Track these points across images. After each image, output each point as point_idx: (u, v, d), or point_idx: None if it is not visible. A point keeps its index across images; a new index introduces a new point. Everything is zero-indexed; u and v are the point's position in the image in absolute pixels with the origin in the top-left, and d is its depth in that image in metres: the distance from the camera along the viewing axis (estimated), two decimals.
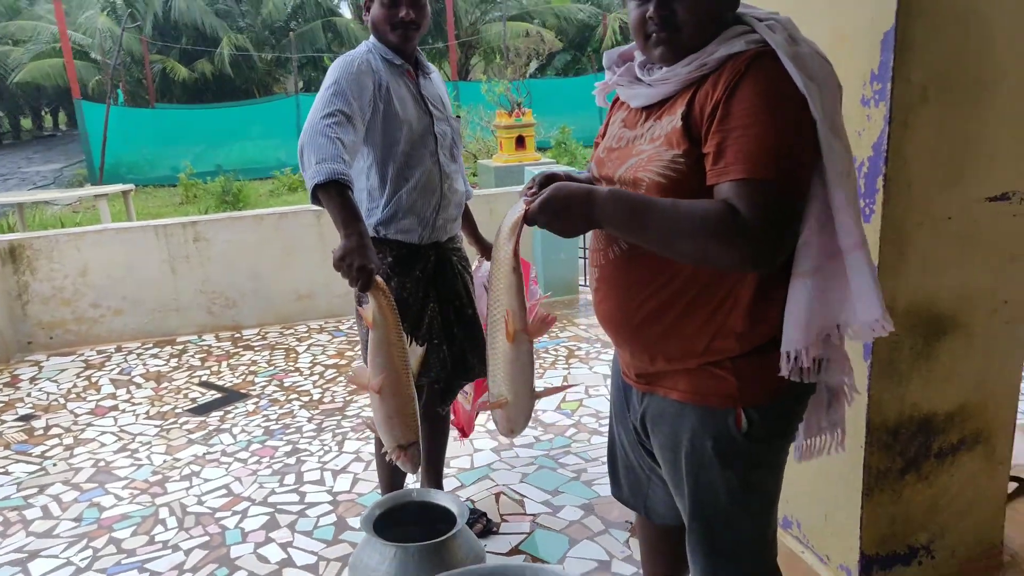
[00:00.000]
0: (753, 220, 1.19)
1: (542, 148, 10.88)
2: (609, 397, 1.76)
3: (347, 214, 1.82)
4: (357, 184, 2.17)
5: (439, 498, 2.21)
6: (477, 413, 2.84)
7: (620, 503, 1.78)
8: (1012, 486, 2.38)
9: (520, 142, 7.49)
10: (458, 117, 2.36)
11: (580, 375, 3.80)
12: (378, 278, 1.74)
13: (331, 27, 20.80)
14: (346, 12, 22.76)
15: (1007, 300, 1.90)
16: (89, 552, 2.54)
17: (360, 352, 2.98)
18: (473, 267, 2.50)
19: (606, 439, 1.75)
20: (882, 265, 1.77)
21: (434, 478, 2.50)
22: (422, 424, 2.35)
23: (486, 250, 2.49)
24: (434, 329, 2.26)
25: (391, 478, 2.42)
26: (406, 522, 2.10)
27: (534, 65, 18.77)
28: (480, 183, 8.83)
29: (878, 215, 1.75)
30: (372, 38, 2.18)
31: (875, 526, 1.94)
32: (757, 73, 1.23)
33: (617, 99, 1.54)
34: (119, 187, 8.10)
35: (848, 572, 1.99)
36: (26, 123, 31.40)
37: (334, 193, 1.83)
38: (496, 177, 8.20)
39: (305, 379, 3.94)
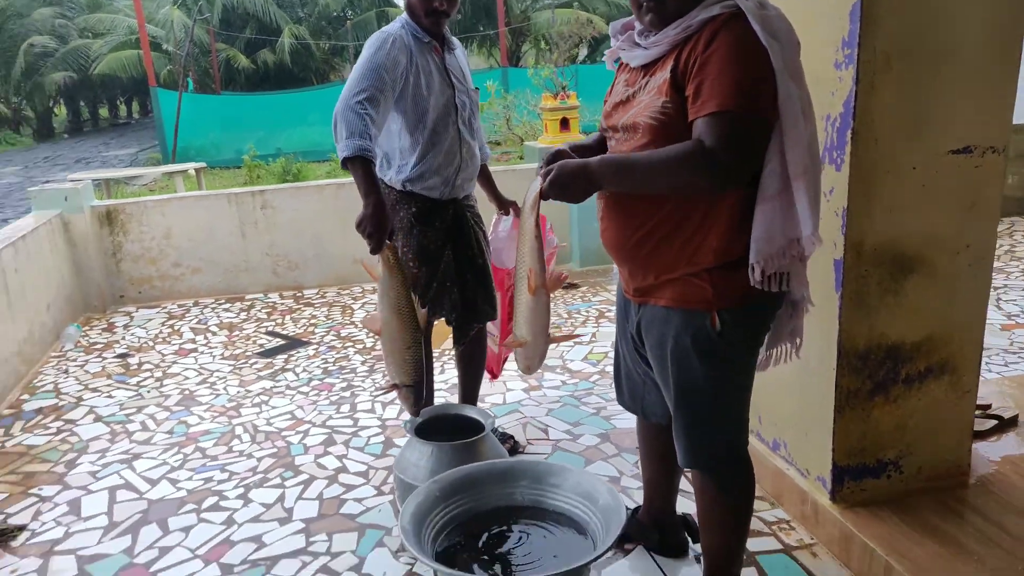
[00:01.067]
0: (717, 147, 1.52)
1: (587, 131, 11.14)
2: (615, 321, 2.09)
3: (368, 186, 2.18)
4: (390, 142, 2.50)
5: (469, 411, 2.60)
6: (505, 358, 3.18)
7: (624, 408, 2.13)
8: (990, 423, 2.63)
9: (564, 124, 7.76)
10: (477, 89, 2.67)
11: (608, 332, 4.13)
12: (388, 241, 2.12)
13: (385, 16, 21.35)
14: (400, 1, 23.28)
15: (969, 244, 2.16)
16: (180, 456, 3.00)
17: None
18: (492, 221, 2.84)
19: None
20: (851, 208, 2.05)
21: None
22: (461, 354, 2.75)
23: (503, 204, 2.83)
24: (448, 274, 2.60)
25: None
26: (442, 431, 2.49)
27: (583, 51, 18.94)
28: (526, 162, 9.15)
29: (847, 164, 2.04)
30: (406, 15, 2.48)
31: (846, 441, 2.22)
32: (729, 31, 1.55)
33: (621, 63, 1.87)
34: (192, 165, 8.71)
35: (824, 482, 2.28)
36: (103, 111, 32.92)
37: (359, 166, 2.18)
38: (540, 157, 8.47)
39: (359, 330, 4.37)
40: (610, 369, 3.67)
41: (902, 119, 2.03)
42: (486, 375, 3.03)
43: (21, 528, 2.59)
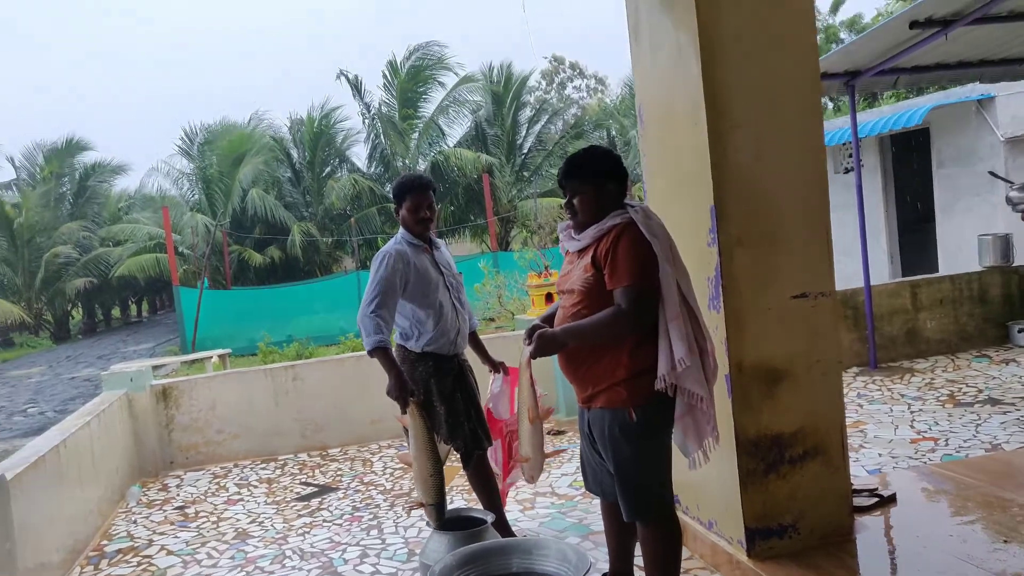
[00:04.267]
0: (629, 308, 2.49)
1: None
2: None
3: (389, 365, 3.21)
4: (410, 322, 3.48)
5: (473, 513, 3.41)
6: (506, 492, 3.95)
7: (590, 492, 2.96)
8: (873, 500, 3.43)
9: (549, 298, 8.88)
10: (460, 274, 3.68)
11: None
12: (411, 399, 3.10)
13: (385, 211, 23.40)
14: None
15: (818, 359, 3.09)
16: (244, 573, 3.72)
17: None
18: (491, 379, 3.76)
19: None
20: (730, 338, 3.00)
21: (496, 516, 3.57)
22: (471, 474, 3.59)
23: (493, 364, 3.70)
24: (461, 410, 3.51)
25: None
26: (454, 528, 3.28)
27: None
28: (517, 331, 10.23)
29: (723, 308, 3.01)
30: (402, 229, 3.53)
31: (752, 508, 3.02)
32: (626, 234, 2.57)
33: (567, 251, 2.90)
34: (220, 351, 9.71)
35: (741, 543, 3.05)
36: (115, 312, 34.60)
37: (380, 354, 3.22)
38: (526, 329, 9.55)
39: (379, 476, 5.15)
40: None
41: (755, 277, 3.03)
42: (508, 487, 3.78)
43: None
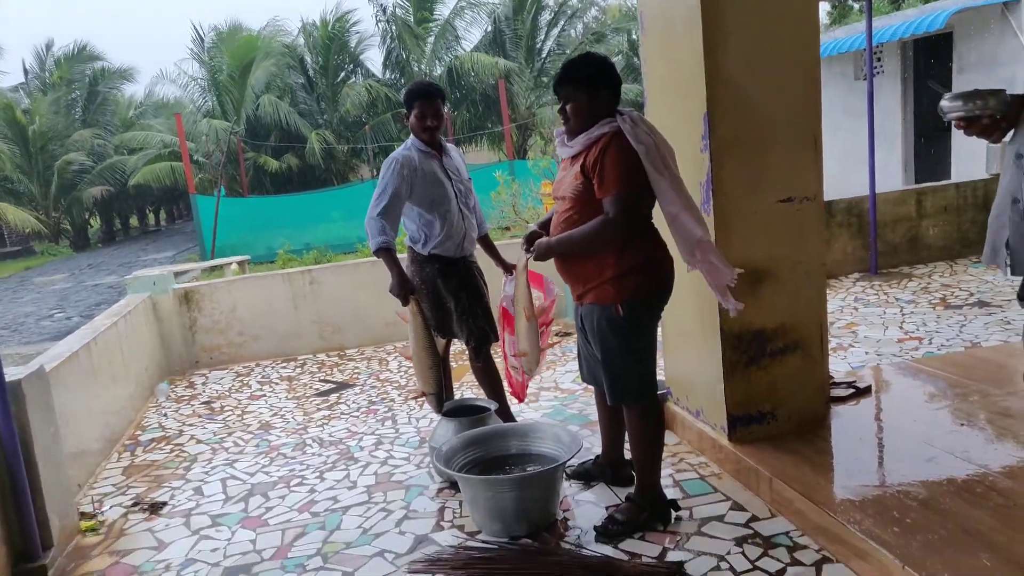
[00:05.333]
0: (615, 217, 2.65)
1: None
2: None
3: (391, 264, 3.38)
4: (418, 226, 3.65)
5: (478, 401, 3.68)
6: (526, 385, 4.17)
7: (584, 382, 3.20)
8: (850, 391, 3.66)
9: None
10: (470, 179, 3.81)
11: None
12: (412, 296, 3.32)
13: (400, 118, 23.25)
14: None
15: (800, 261, 3.26)
16: (268, 459, 4.07)
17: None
18: (503, 281, 3.95)
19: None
20: (717, 240, 3.16)
21: (499, 405, 3.84)
22: (478, 367, 3.81)
23: (506, 266, 3.85)
24: (466, 309, 3.71)
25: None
26: (461, 416, 3.56)
27: None
28: None
29: (712, 211, 3.16)
30: (411, 136, 3.65)
31: (733, 397, 3.26)
32: (613, 144, 2.70)
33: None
34: (238, 258, 9.99)
35: (724, 429, 3.31)
36: (133, 221, 35.06)
37: (383, 254, 3.39)
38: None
39: (394, 374, 5.46)
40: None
41: (743, 182, 3.16)
42: (514, 398, 4.01)
43: (163, 504, 3.64)
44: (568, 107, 2.78)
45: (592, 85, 2.75)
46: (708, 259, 2.78)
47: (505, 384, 3.82)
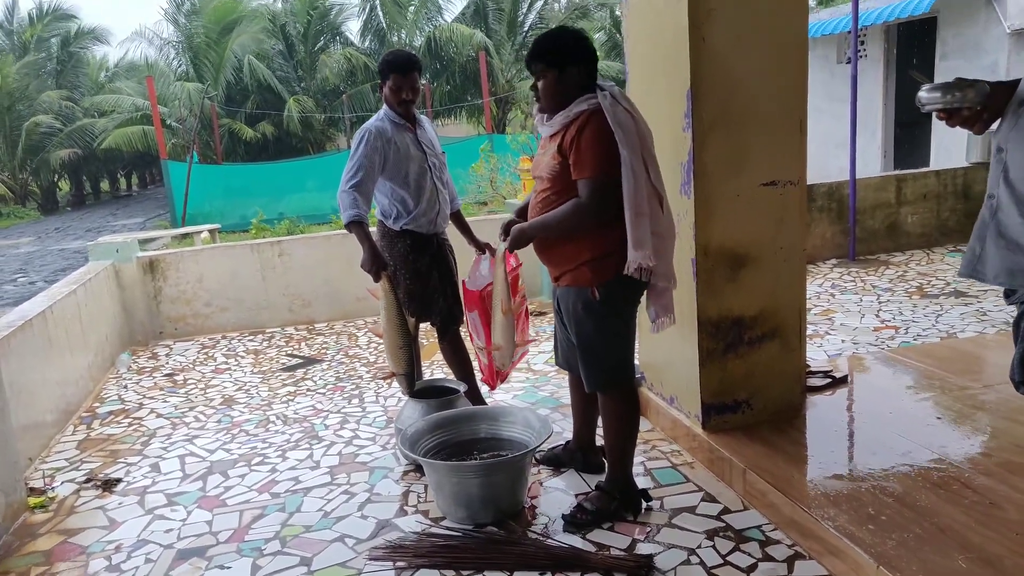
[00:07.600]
0: (587, 200, 2.54)
1: None
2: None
3: (363, 238, 3.24)
4: (390, 201, 3.51)
5: (447, 383, 3.57)
6: (504, 376, 4.03)
7: (559, 367, 3.10)
8: (826, 380, 3.60)
9: None
10: (444, 152, 3.68)
11: None
12: (384, 272, 3.17)
13: (378, 88, 22.86)
14: None
15: (782, 246, 3.17)
16: (229, 436, 3.94)
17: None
18: (475, 259, 3.82)
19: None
20: (698, 222, 3.06)
21: (468, 387, 3.73)
22: (446, 347, 3.70)
23: (479, 245, 3.70)
24: (437, 287, 3.59)
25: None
26: (429, 397, 3.45)
27: None
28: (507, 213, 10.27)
29: (693, 193, 3.06)
30: (384, 106, 3.52)
31: (709, 385, 3.18)
32: (591, 124, 2.57)
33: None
34: (209, 226, 9.75)
35: (698, 417, 3.24)
36: (104, 185, 34.25)
37: (355, 228, 3.26)
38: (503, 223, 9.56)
39: (363, 350, 5.33)
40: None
41: (726, 163, 3.06)
42: (485, 386, 3.89)
43: (118, 480, 3.50)
44: (539, 84, 2.66)
45: (561, 61, 2.62)
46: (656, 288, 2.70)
47: (476, 366, 3.71)
